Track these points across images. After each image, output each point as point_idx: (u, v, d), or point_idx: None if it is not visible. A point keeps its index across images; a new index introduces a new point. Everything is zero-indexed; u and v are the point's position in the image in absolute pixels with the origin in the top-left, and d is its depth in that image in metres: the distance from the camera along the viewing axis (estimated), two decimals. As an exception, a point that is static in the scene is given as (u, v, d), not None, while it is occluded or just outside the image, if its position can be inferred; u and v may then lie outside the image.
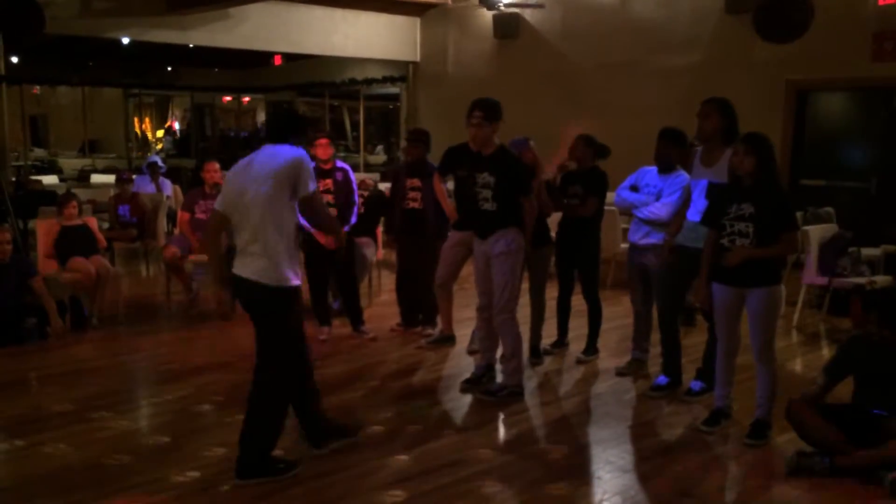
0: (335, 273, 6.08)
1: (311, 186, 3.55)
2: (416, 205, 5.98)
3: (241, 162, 3.65)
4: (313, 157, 5.96)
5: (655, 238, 4.85)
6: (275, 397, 3.65)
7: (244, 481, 3.54)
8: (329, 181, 5.90)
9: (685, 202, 4.61)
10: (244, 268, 3.57)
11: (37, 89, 16.93)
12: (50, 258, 6.55)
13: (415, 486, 3.56)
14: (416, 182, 5.98)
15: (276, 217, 3.50)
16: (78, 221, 6.66)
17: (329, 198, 5.90)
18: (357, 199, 6.09)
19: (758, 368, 4.11)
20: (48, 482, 3.60)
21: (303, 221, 5.84)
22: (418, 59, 12.13)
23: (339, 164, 6.03)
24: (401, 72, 12.61)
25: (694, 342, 5.03)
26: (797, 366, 5.52)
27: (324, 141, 5.88)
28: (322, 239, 5.84)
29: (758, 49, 8.17)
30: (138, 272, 8.80)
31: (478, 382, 4.89)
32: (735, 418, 4.27)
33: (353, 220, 6.03)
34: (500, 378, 4.89)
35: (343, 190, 5.90)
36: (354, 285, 6.20)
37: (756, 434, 4.05)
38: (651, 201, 4.92)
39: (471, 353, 5.63)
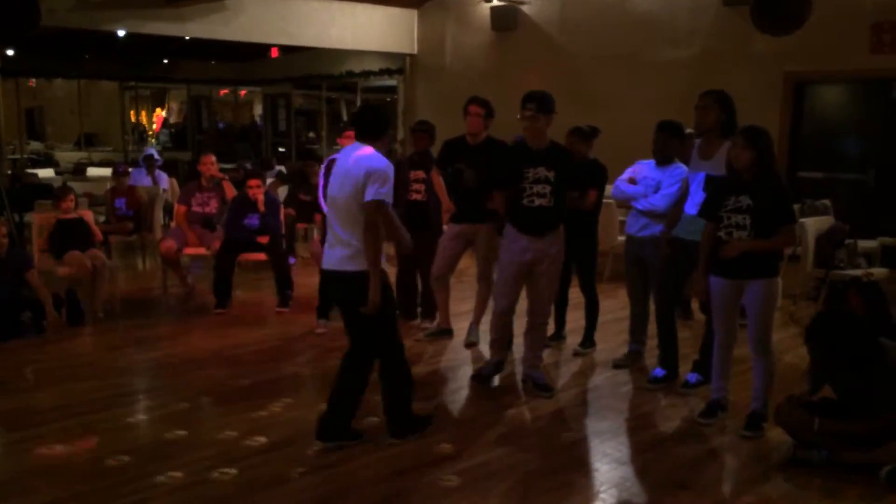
0: None
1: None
2: (419, 197, 5.96)
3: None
4: (342, 149, 5.91)
5: (653, 230, 4.85)
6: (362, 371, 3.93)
7: (326, 443, 3.82)
8: None
9: (683, 194, 4.61)
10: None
11: (33, 82, 16.86)
12: (46, 252, 6.53)
13: (413, 478, 3.56)
14: (421, 174, 5.95)
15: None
16: (74, 215, 6.64)
17: None
18: None
19: (754, 360, 4.12)
20: (46, 476, 3.60)
21: (326, 209, 5.82)
22: (416, 51, 12.10)
23: None
24: (398, 64, 12.57)
25: (691, 334, 5.03)
26: (794, 358, 5.52)
27: (352, 133, 5.85)
28: None
29: (756, 41, 8.16)
30: (135, 265, 8.78)
31: (489, 380, 4.87)
32: (732, 410, 4.28)
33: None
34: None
35: None
36: None
37: (752, 426, 4.06)
38: (650, 193, 4.91)
39: (468, 346, 5.63)
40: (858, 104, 8.45)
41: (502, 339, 4.85)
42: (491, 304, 5.60)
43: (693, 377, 4.73)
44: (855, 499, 3.43)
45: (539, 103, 4.48)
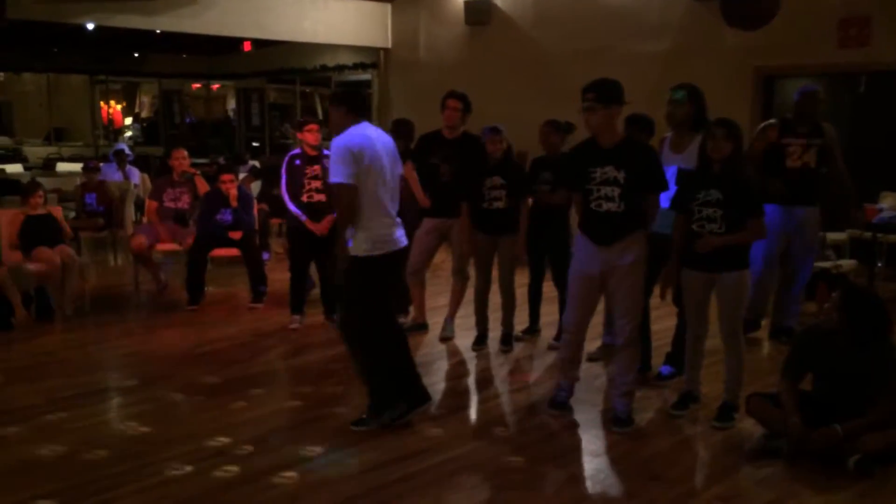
0: (320, 259, 6.02)
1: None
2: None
3: (371, 135, 3.92)
4: (302, 143, 5.90)
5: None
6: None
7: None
8: (318, 167, 5.86)
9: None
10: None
11: (0, 76, 16.53)
12: (14, 248, 6.42)
13: (387, 473, 3.56)
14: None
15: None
16: (43, 211, 6.54)
17: (317, 184, 5.86)
18: None
19: (726, 352, 4.17)
20: (16, 476, 3.54)
21: (292, 207, 5.83)
22: (390, 45, 12.04)
23: (326, 151, 5.98)
24: (372, 58, 12.51)
25: (663, 327, 5.08)
26: (764, 349, 5.60)
27: (314, 127, 5.89)
28: (312, 227, 5.78)
29: (725, 36, 8.22)
30: (106, 262, 8.67)
31: (566, 405, 4.31)
32: (703, 401, 4.33)
33: None
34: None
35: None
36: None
37: (723, 417, 4.11)
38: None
39: (443, 340, 5.64)
40: (826, 98, 8.54)
41: (571, 359, 4.28)
42: (468, 297, 5.64)
43: (666, 369, 4.78)
44: (823, 485, 3.49)
45: (600, 93, 3.91)
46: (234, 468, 3.59)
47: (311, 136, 5.87)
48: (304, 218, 5.81)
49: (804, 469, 3.62)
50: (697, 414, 4.26)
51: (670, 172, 4.49)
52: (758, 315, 5.67)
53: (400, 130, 6.08)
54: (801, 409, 3.72)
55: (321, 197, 5.83)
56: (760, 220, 4.02)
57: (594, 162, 3.94)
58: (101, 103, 17.79)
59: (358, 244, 3.88)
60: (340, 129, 3.86)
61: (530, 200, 5.43)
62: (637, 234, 3.95)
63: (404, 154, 5.97)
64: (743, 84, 8.38)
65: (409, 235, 5.78)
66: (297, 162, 5.90)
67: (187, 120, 17.82)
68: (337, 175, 3.75)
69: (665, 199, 4.47)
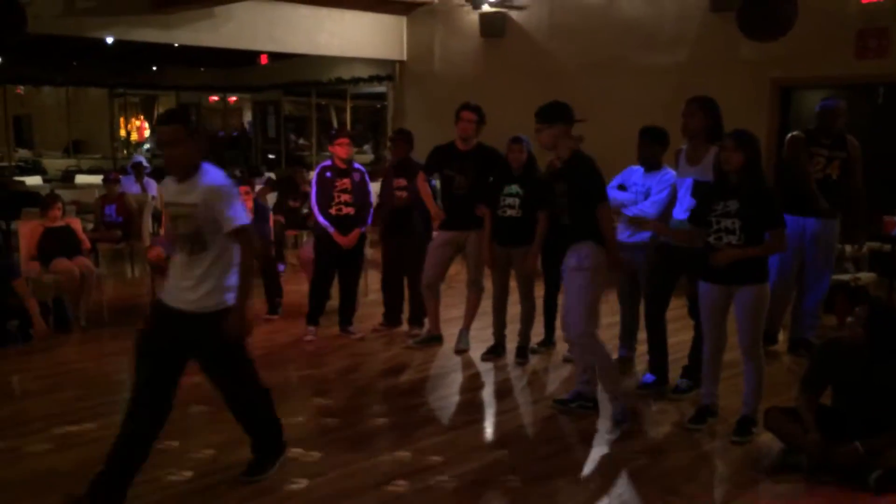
0: (343, 272, 6.02)
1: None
2: (402, 203, 5.97)
3: None
4: (333, 157, 5.91)
5: (643, 236, 4.87)
6: None
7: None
8: (347, 181, 5.87)
9: (672, 200, 4.62)
10: None
11: (20, 89, 16.74)
12: (33, 260, 6.48)
13: (404, 486, 3.54)
14: (402, 181, 5.98)
15: None
16: (61, 223, 6.60)
17: (346, 197, 5.86)
18: (373, 201, 6.08)
19: (745, 366, 4.13)
20: (32, 485, 3.57)
21: (321, 219, 5.85)
22: (405, 57, 12.10)
23: (357, 164, 6.02)
24: (387, 71, 12.57)
25: (680, 340, 5.04)
26: (783, 363, 5.54)
27: (345, 141, 5.87)
28: (339, 239, 5.79)
29: (742, 48, 8.19)
30: (123, 273, 8.73)
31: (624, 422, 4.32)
32: (721, 415, 4.29)
33: (370, 220, 6.02)
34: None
35: (360, 190, 5.88)
36: (357, 284, 6.19)
37: (742, 431, 4.07)
38: (639, 200, 4.93)
39: (458, 352, 5.62)
40: (846, 111, 8.48)
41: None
42: (483, 308, 5.63)
43: (683, 383, 4.74)
44: (844, 501, 3.43)
45: (542, 114, 4.41)
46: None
47: (341, 149, 5.88)
48: (332, 230, 5.82)
49: (824, 484, 3.57)
50: (715, 428, 4.22)
51: (686, 184, 4.48)
52: (775, 328, 5.62)
53: (401, 140, 6.11)
54: (821, 424, 3.67)
55: (349, 210, 5.85)
56: (780, 231, 3.97)
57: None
58: (122, 118, 18.00)
59: (225, 295, 3.37)
60: (193, 163, 3.35)
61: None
62: (578, 247, 4.22)
63: (406, 162, 6.02)
64: (760, 96, 8.34)
65: (422, 248, 5.84)
66: (328, 174, 5.91)
67: (220, 134, 17.87)
68: (242, 216, 3.31)
69: (680, 212, 4.46)
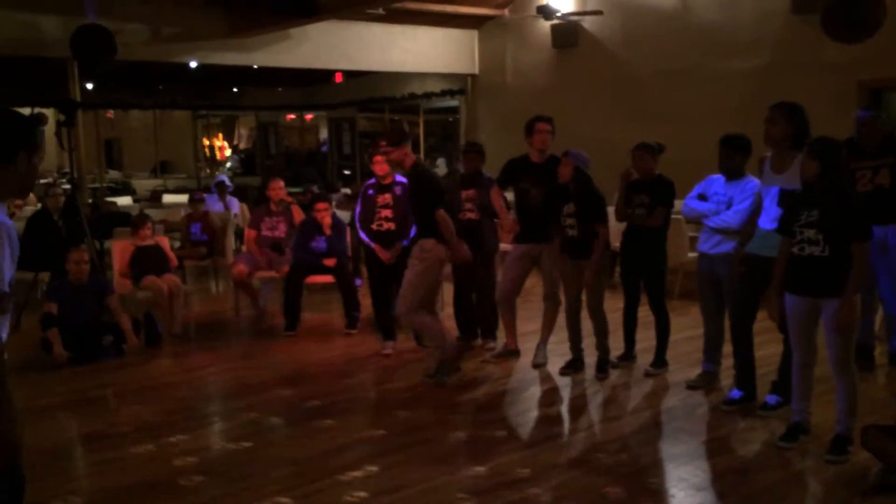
0: (395, 288, 6.10)
1: None
2: (472, 216, 5.97)
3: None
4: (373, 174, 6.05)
5: (727, 247, 4.72)
6: None
7: None
8: (388, 196, 5.97)
9: (756, 210, 4.48)
10: None
11: (111, 113, 17.60)
12: (125, 277, 6.77)
13: (490, 499, 3.53)
14: (472, 193, 5.98)
15: None
16: (151, 242, 6.88)
17: (387, 213, 5.95)
18: None
19: (836, 381, 3.95)
20: (125, 496, 3.71)
21: (362, 235, 5.98)
22: (477, 71, 12.16)
23: (399, 178, 6.09)
24: (459, 85, 12.66)
25: (768, 354, 4.87)
26: (880, 378, 5.28)
27: (380, 158, 5.97)
28: (382, 254, 5.89)
29: (827, 50, 7.90)
30: (208, 289, 9.03)
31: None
32: (814, 433, 4.11)
33: (413, 234, 6.07)
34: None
35: (402, 205, 5.94)
36: None
37: (837, 450, 3.89)
38: (721, 210, 4.79)
39: (535, 366, 5.58)
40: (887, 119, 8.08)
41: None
42: (560, 322, 5.57)
43: (772, 399, 4.57)
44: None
45: (388, 139, 5.31)
46: (334, 491, 3.64)
47: (377, 167, 5.99)
48: (373, 245, 5.91)
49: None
50: (808, 446, 4.04)
51: (772, 193, 4.34)
52: (867, 342, 5.36)
53: (473, 153, 6.12)
54: None
55: (390, 225, 5.93)
56: (865, 243, 3.74)
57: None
58: (204, 139, 18.68)
59: None
60: None
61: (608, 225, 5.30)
62: (422, 242, 5.16)
63: (477, 175, 6.02)
64: (847, 99, 8.02)
65: (489, 263, 5.84)
66: (370, 191, 6.03)
67: (323, 148, 17.98)
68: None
69: (766, 221, 4.33)
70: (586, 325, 5.42)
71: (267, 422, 4.64)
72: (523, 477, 3.78)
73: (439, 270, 5.24)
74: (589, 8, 10.23)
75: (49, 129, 7.90)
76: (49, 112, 15.59)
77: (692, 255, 6.01)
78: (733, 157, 4.78)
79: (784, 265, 3.96)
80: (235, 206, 10.28)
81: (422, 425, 4.51)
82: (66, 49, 8.59)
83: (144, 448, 4.24)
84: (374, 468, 3.89)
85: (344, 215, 9.09)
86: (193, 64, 11.20)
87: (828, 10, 6.96)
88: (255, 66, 11.51)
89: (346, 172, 16.71)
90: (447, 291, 6.67)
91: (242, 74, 14.25)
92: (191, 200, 8.90)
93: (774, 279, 4.03)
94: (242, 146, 20.15)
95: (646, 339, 5.51)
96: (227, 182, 10.90)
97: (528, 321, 6.21)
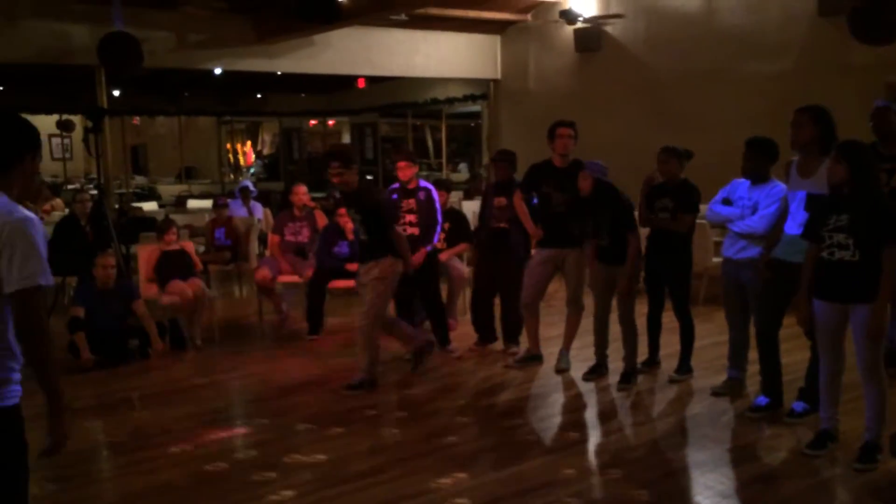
0: (420, 292, 6.11)
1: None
2: (503, 225, 5.96)
3: None
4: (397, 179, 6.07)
5: (752, 252, 4.66)
6: None
7: None
8: (412, 201, 5.97)
9: (783, 214, 4.43)
10: None
11: (137, 120, 17.83)
12: (151, 282, 6.84)
13: (537, 497, 3.52)
14: (503, 201, 5.96)
15: None
16: (176, 246, 6.94)
17: (411, 218, 5.96)
18: (440, 219, 6.14)
19: (865, 387, 3.89)
20: (151, 498, 3.74)
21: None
22: (499, 76, 12.15)
23: (423, 183, 6.09)
24: (482, 90, 12.66)
25: (795, 360, 4.81)
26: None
27: (402, 164, 5.99)
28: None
29: (854, 52, 7.81)
30: (232, 294, 9.09)
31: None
32: (842, 441, 4.04)
33: (436, 240, 6.07)
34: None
35: (425, 210, 5.95)
36: (439, 303, 6.22)
37: (866, 458, 3.83)
38: (746, 214, 4.74)
39: (558, 371, 5.55)
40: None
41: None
42: (583, 327, 5.55)
43: (799, 406, 4.50)
44: None
45: (340, 160, 5.20)
46: (361, 495, 3.64)
47: (400, 172, 6.00)
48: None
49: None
50: (836, 454, 3.98)
51: (798, 198, 4.29)
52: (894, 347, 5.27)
53: (503, 161, 6.11)
54: None
55: (414, 230, 5.93)
56: (893, 249, 3.65)
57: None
58: (228, 145, 18.86)
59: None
60: None
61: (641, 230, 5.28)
62: (382, 261, 5.19)
63: (509, 184, 6.01)
64: (875, 102, 7.91)
65: (520, 269, 5.81)
66: (395, 196, 6.03)
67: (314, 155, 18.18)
68: (45, 274, 2.23)
69: (793, 226, 4.27)
70: (613, 330, 5.38)
71: (289, 426, 4.66)
72: (549, 481, 3.76)
73: (394, 286, 5.36)
74: (612, 12, 10.19)
75: (77, 135, 8.01)
76: (77, 119, 15.95)
77: (717, 259, 5.96)
78: (751, 158, 4.72)
79: (811, 270, 3.91)
80: (259, 211, 10.35)
81: (444, 430, 4.50)
82: (94, 57, 8.71)
83: (170, 451, 4.28)
84: (396, 473, 3.90)
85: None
86: (218, 71, 11.31)
87: (854, 12, 6.88)
88: (279, 73, 11.60)
89: (369, 177, 16.75)
90: (467, 295, 6.67)
91: (266, 81, 14.36)
92: (215, 206, 8.97)
93: (802, 285, 3.98)
94: (266, 152, 20.31)
95: (670, 344, 5.46)
96: (251, 187, 10.97)
97: (551, 326, 6.19)
